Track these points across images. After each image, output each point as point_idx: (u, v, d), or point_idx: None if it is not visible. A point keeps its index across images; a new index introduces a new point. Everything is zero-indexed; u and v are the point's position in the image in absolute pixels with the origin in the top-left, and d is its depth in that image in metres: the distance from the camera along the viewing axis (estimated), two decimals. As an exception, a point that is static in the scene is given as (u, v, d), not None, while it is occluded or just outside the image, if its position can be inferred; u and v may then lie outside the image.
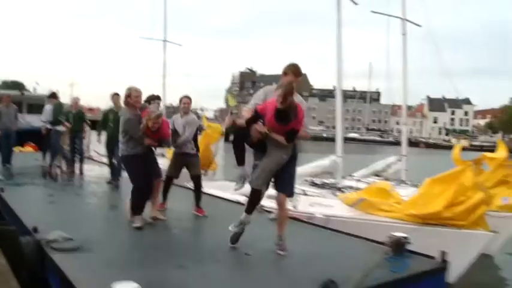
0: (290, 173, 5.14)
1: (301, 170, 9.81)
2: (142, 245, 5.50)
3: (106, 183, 10.10)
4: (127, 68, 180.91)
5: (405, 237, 5.44)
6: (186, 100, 7.37)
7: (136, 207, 6.20)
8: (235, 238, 5.32)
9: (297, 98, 4.92)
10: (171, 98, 21.26)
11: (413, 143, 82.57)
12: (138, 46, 65.24)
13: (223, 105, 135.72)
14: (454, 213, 6.69)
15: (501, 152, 9.44)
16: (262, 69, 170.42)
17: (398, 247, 5.35)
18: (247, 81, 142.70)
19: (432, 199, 6.86)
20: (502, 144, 9.75)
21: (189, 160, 7.37)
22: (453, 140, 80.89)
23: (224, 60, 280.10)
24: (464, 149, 9.76)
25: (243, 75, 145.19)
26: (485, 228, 6.78)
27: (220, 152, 12.14)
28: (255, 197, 5.15)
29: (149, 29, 22.89)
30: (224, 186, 9.92)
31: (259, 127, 4.81)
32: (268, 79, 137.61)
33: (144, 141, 6.24)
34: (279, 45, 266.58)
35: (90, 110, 53.62)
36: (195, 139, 7.48)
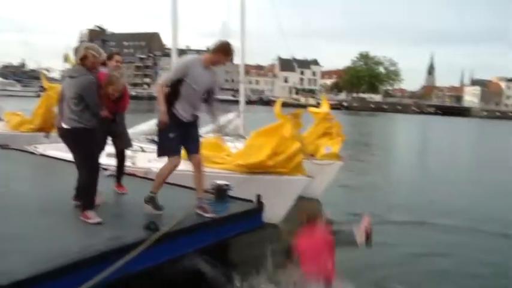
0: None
1: (139, 128, 10.06)
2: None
3: None
4: None
5: (226, 185, 6.09)
6: (118, 58, 6.13)
7: (92, 198, 4.96)
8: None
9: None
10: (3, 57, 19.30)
11: (265, 102, 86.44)
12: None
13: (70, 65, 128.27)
14: (275, 162, 7.47)
15: (324, 107, 10.59)
16: (112, 27, 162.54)
17: (220, 193, 5.99)
18: (97, 40, 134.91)
19: (257, 150, 7.57)
20: (325, 100, 10.91)
21: (114, 130, 5.94)
22: (302, 99, 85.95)
23: (69, 15, 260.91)
24: (315, 106, 10.82)
25: (91, 33, 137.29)
26: (302, 173, 7.68)
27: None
28: None
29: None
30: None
31: None
32: (120, 37, 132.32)
33: (100, 113, 4.98)
34: (129, 1, 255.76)
35: None
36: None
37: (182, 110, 5.11)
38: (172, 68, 5.76)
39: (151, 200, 5.26)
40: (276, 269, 5.88)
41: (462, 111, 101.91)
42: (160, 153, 5.30)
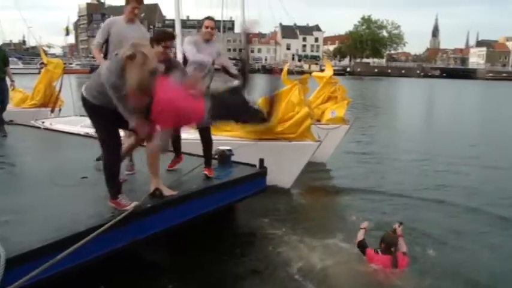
0: None
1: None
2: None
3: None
4: None
5: (229, 150, 6.14)
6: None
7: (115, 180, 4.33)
8: None
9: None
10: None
11: (267, 70, 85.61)
12: None
13: (72, 40, 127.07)
14: (284, 128, 7.40)
15: (328, 72, 10.43)
16: (110, 0, 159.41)
17: (223, 158, 6.03)
18: (96, 14, 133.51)
19: (265, 116, 7.44)
20: (329, 64, 10.76)
21: None
22: (305, 66, 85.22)
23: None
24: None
25: (90, 6, 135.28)
26: (311, 138, 7.60)
27: (67, 88, 11.69)
28: None
29: None
30: (74, 121, 9.72)
31: None
32: (119, 10, 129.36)
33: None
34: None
35: None
36: None
37: None
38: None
39: None
40: (285, 232, 5.92)
41: (467, 74, 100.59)
42: None
